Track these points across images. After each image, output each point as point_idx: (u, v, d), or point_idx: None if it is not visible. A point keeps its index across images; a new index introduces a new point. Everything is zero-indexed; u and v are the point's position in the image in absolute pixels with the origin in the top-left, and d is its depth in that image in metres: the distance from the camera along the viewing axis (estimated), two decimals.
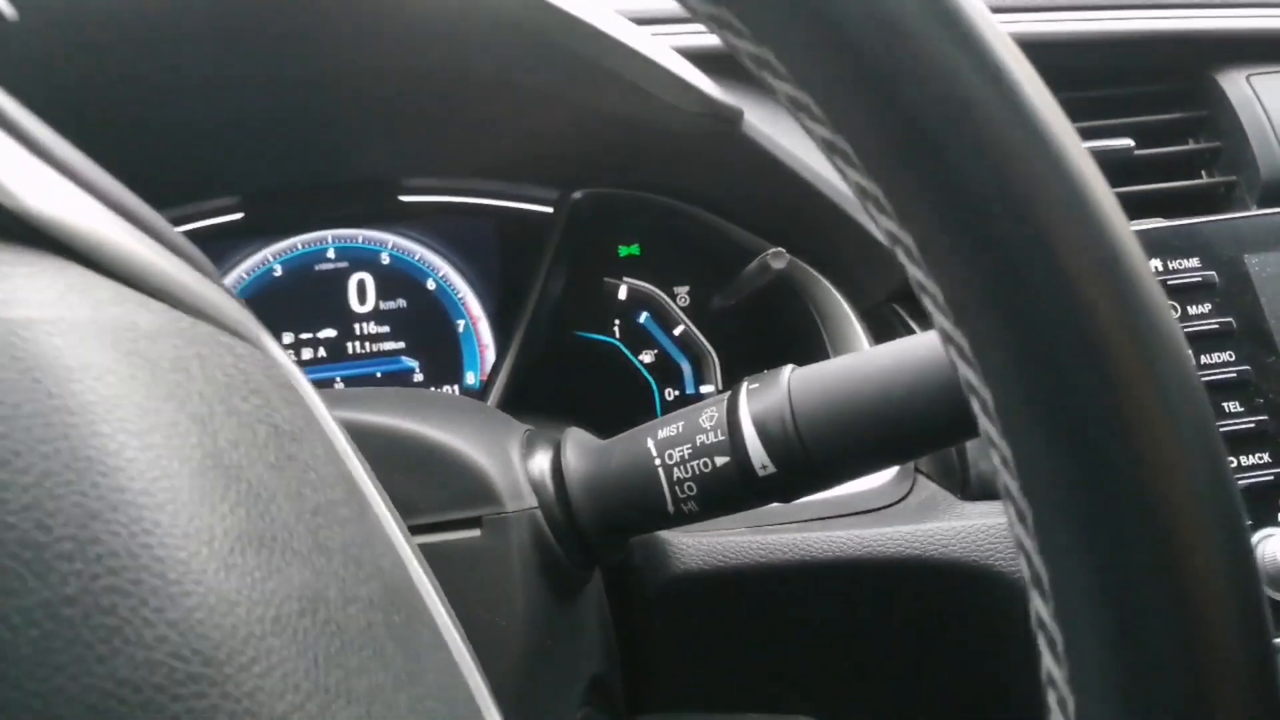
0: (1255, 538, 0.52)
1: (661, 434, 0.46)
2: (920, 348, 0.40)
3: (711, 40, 0.60)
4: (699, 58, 0.63)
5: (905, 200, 0.21)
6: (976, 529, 0.54)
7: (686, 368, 0.84)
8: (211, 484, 0.24)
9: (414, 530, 0.38)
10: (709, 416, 0.45)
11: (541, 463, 0.49)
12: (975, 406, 0.22)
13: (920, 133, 0.20)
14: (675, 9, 0.66)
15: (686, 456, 0.45)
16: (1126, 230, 0.20)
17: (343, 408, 0.36)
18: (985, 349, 0.21)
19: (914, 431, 0.40)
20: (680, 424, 0.46)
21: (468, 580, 0.45)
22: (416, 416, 0.48)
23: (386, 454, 0.44)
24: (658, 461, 0.46)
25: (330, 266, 0.84)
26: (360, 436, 0.35)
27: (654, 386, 0.84)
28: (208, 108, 0.66)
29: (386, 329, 0.85)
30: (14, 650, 0.20)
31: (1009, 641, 0.53)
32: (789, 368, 0.44)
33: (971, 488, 0.57)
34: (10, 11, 0.38)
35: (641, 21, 0.64)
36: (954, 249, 0.21)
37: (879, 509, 0.58)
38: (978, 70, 0.20)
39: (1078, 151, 0.20)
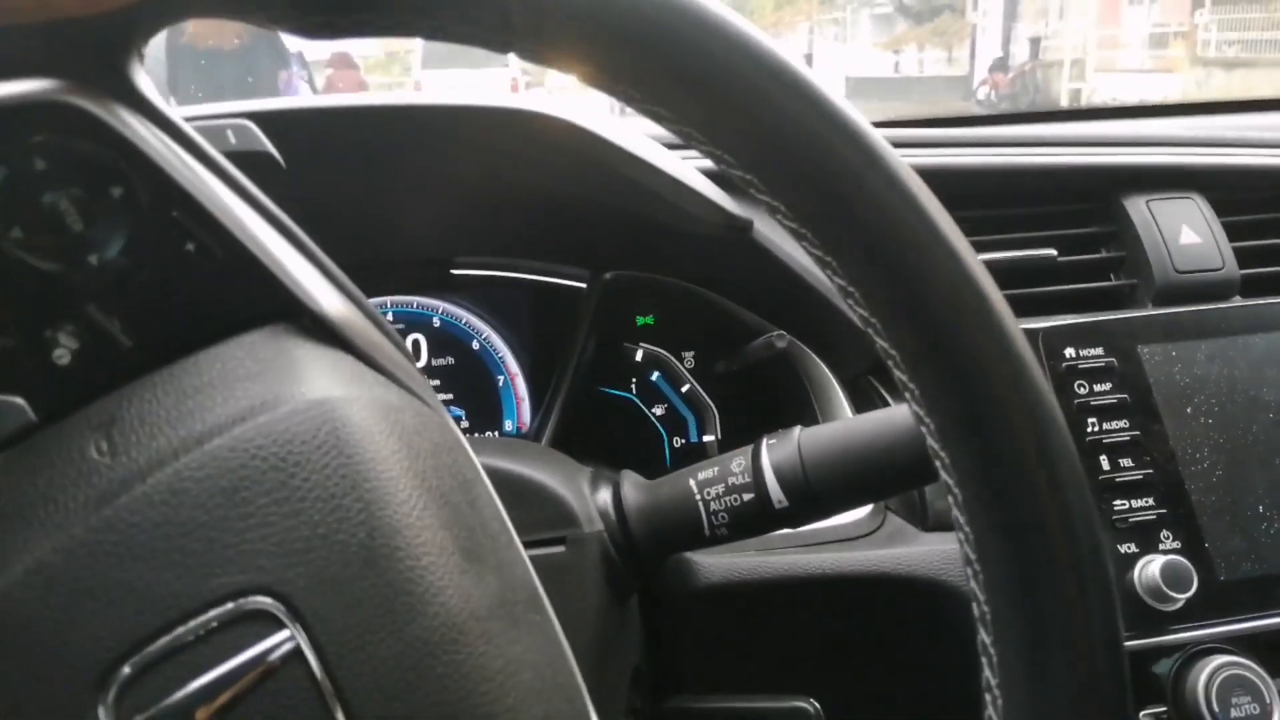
0: (1140, 562, 0.66)
1: (700, 476, 0.60)
2: (896, 417, 0.56)
3: None
4: (718, 176, 0.75)
5: (876, 302, 0.29)
6: (934, 553, 0.68)
7: (691, 420, 0.94)
8: (446, 520, 0.31)
9: None
10: (738, 464, 0.60)
11: (605, 496, 0.62)
12: (951, 483, 0.29)
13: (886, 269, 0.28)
14: None
15: (720, 493, 0.59)
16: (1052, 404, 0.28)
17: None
18: (949, 442, 0.29)
19: (893, 476, 0.55)
20: (715, 468, 0.60)
21: (553, 586, 0.58)
22: (512, 458, 0.62)
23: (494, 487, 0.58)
24: (698, 497, 0.59)
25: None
26: None
27: (664, 435, 0.94)
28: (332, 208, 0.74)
29: (437, 381, 0.93)
30: (395, 664, 0.28)
31: (956, 641, 0.65)
32: (798, 428, 0.59)
33: (929, 521, 0.72)
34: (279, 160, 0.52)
35: (672, 146, 0.75)
36: (921, 351, 0.28)
37: (858, 538, 0.72)
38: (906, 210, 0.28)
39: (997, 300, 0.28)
